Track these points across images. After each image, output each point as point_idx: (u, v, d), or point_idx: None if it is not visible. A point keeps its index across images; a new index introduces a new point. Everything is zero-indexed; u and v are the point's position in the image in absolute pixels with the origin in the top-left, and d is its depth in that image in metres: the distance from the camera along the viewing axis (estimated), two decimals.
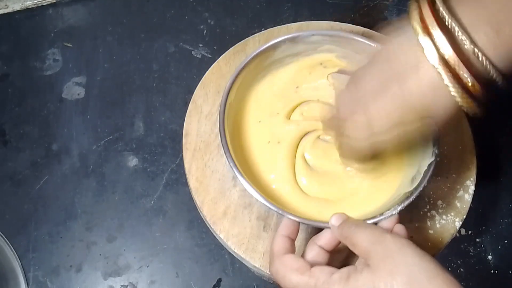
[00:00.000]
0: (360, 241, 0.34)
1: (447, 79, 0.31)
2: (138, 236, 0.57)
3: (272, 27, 0.55)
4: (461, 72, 0.30)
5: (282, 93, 0.50)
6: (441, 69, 0.31)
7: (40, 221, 0.58)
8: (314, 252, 0.37)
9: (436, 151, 0.42)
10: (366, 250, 0.33)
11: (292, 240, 0.39)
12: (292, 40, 0.48)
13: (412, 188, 0.41)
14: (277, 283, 0.37)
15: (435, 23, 0.31)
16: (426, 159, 0.42)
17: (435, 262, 0.32)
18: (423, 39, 0.31)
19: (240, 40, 0.54)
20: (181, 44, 0.69)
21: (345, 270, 0.34)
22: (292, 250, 0.38)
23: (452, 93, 0.31)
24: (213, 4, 0.72)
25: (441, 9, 0.31)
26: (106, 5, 0.71)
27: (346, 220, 0.37)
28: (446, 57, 0.31)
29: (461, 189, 0.47)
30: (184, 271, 0.56)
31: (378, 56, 0.36)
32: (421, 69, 0.32)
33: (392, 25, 0.35)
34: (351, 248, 0.35)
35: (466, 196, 0.47)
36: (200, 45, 0.69)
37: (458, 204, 0.46)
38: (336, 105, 0.41)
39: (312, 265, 0.35)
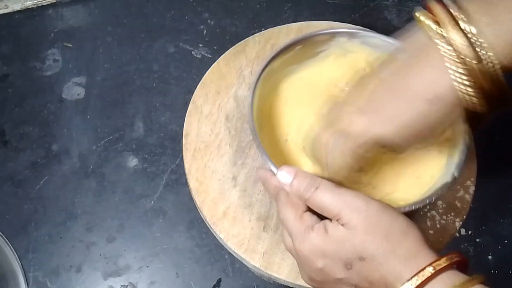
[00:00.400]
0: (328, 207, 0.35)
1: (461, 81, 0.31)
2: (138, 236, 0.57)
3: (272, 27, 0.55)
4: (475, 72, 0.31)
5: (318, 88, 0.47)
6: (457, 73, 0.31)
7: (40, 221, 0.58)
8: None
9: (456, 175, 0.39)
10: (337, 214, 0.34)
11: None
12: (352, 35, 0.46)
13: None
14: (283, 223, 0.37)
15: (449, 21, 0.31)
16: (440, 177, 0.40)
17: (407, 219, 0.34)
18: (439, 40, 0.31)
19: (240, 40, 0.54)
20: (181, 44, 0.69)
21: (321, 224, 0.35)
22: None
23: (464, 93, 0.32)
24: (213, 4, 0.72)
25: (451, 6, 0.31)
26: (106, 5, 0.71)
27: (301, 179, 0.36)
28: (461, 56, 0.31)
29: (461, 189, 0.47)
30: (184, 271, 0.56)
31: (395, 63, 0.35)
32: (440, 78, 0.32)
33: (404, 32, 0.35)
34: (317, 211, 0.36)
35: (466, 196, 0.47)
36: (200, 45, 0.69)
37: (458, 204, 0.46)
38: (342, 103, 0.39)
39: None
